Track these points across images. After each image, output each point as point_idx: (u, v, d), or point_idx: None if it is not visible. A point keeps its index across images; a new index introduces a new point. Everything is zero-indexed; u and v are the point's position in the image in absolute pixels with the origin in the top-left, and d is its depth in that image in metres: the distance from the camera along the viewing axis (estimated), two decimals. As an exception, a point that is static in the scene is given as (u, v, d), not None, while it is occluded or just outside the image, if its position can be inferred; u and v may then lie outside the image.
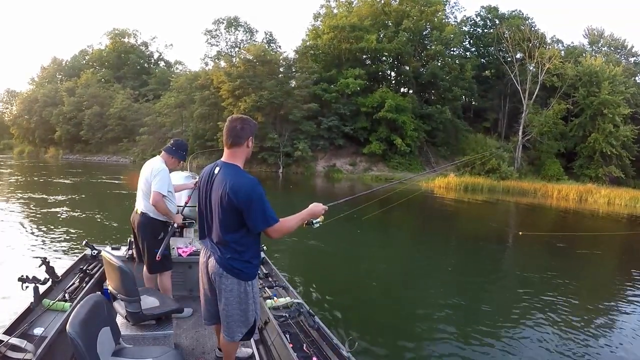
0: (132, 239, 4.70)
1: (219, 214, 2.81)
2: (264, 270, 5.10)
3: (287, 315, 3.87)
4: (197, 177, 5.08)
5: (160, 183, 4.23)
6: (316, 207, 3.03)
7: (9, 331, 3.03)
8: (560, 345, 5.68)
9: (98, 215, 13.65)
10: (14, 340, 2.87)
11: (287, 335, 3.51)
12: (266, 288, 4.54)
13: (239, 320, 2.93)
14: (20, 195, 17.85)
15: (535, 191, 31.73)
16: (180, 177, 5.35)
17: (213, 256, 2.88)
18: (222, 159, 2.94)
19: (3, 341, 2.87)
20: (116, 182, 27.54)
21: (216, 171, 2.89)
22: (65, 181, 26.12)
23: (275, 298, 4.22)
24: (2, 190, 19.91)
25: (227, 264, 2.81)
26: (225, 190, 2.72)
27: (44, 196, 17.77)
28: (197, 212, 3.21)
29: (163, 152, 4.48)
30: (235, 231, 2.79)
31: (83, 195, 18.85)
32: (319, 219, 3.08)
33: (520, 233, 14.57)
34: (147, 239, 4.33)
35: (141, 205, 4.37)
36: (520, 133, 42.87)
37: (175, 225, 4.51)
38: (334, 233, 13.30)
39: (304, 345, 3.40)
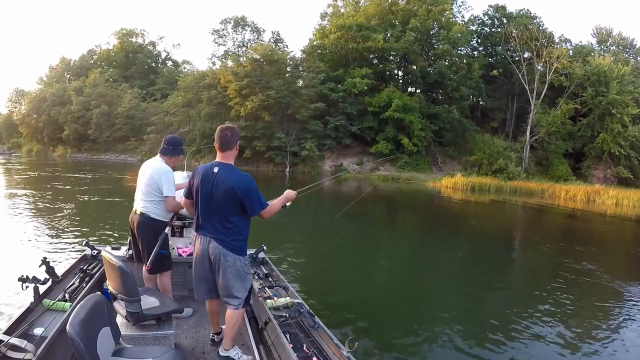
0: (131, 239, 4.67)
1: (224, 205, 3.40)
2: (264, 270, 5.10)
3: (287, 315, 3.88)
4: None
5: (172, 186, 4.31)
6: (289, 193, 3.82)
7: (9, 331, 3.04)
8: (568, 348, 5.65)
9: (99, 215, 13.66)
10: (14, 340, 2.88)
11: (287, 335, 3.52)
12: (266, 288, 4.53)
13: (241, 287, 3.51)
14: (23, 194, 17.87)
15: (543, 192, 31.54)
16: (180, 177, 5.36)
17: (214, 240, 3.42)
18: (218, 160, 3.51)
19: (3, 341, 2.88)
20: (120, 177, 27.70)
21: (215, 170, 3.43)
22: (70, 180, 26.18)
23: (275, 298, 4.22)
24: (5, 190, 19.92)
25: (230, 244, 3.43)
26: (230, 185, 3.35)
27: (47, 195, 17.82)
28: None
29: (161, 154, 4.42)
30: (236, 216, 3.43)
31: (86, 194, 18.88)
32: (289, 203, 3.82)
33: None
34: (147, 240, 4.30)
35: (141, 205, 4.33)
36: (528, 133, 42.65)
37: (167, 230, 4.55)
38: (334, 232, 13.32)
39: (304, 345, 3.41)
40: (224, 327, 3.74)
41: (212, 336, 3.95)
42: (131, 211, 4.49)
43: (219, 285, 3.50)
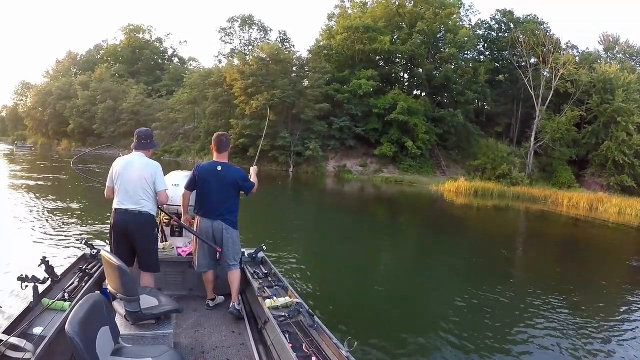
0: (114, 244, 4.36)
1: (227, 192, 4.58)
2: (264, 270, 5.09)
3: (287, 315, 3.86)
4: None
5: (164, 180, 4.40)
6: (255, 169, 5.00)
7: (8, 330, 3.02)
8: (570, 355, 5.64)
9: (99, 214, 13.53)
10: (13, 340, 2.87)
11: (287, 335, 3.51)
12: (266, 288, 4.52)
13: (239, 250, 4.76)
14: (23, 190, 17.55)
15: (546, 198, 31.43)
16: (181, 177, 5.37)
17: (220, 220, 4.56)
18: (217, 159, 4.64)
19: (2, 340, 2.86)
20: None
21: (219, 168, 4.57)
22: (72, 175, 26.00)
23: (274, 298, 4.20)
24: (6, 185, 19.69)
25: (230, 221, 4.63)
26: (233, 178, 4.59)
27: (47, 192, 17.44)
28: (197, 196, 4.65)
29: (139, 149, 4.37)
30: (234, 199, 4.66)
31: (86, 191, 18.37)
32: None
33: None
34: (149, 238, 4.27)
35: (140, 205, 4.21)
36: (532, 139, 42.51)
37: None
38: (335, 232, 13.31)
39: (304, 345, 3.40)
40: (217, 297, 4.90)
41: (208, 301, 4.87)
42: (115, 212, 4.29)
43: (223, 253, 4.57)
